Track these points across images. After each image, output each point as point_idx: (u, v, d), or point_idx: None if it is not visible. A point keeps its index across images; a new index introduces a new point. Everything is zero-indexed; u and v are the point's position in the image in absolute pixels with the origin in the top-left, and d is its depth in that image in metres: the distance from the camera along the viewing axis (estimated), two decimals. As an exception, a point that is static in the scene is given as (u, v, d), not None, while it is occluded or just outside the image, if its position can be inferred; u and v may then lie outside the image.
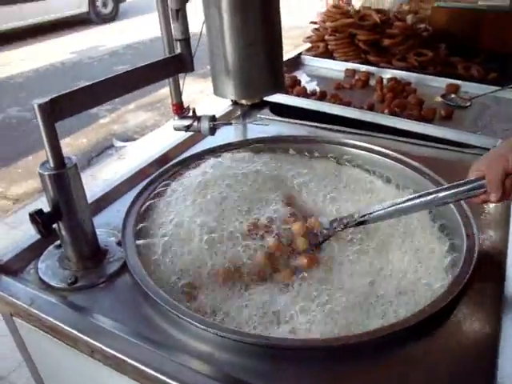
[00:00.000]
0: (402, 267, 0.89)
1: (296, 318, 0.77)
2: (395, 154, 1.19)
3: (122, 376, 0.73)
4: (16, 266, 0.90)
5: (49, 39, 7.80)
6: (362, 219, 0.92)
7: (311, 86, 1.75)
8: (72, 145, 3.96)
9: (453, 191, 0.83)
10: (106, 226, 1.00)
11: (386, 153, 1.20)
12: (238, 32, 1.00)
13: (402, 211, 0.90)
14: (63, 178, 0.80)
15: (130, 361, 0.69)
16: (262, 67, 1.05)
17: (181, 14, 0.93)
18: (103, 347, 0.72)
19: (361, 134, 1.38)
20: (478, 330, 0.74)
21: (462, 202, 0.97)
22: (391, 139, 1.36)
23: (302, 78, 1.89)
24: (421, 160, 1.17)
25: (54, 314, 0.78)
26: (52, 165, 0.79)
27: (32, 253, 0.93)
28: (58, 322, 0.76)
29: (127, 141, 4.00)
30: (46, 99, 0.75)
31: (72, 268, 0.87)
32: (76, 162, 0.82)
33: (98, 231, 0.97)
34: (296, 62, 2.04)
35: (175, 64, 0.97)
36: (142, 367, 0.68)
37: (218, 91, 1.11)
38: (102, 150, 3.85)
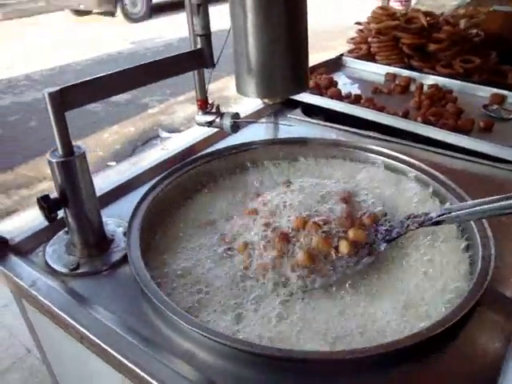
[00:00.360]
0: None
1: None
2: (420, 164, 1.14)
3: (108, 366, 0.74)
4: (26, 247, 0.93)
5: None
6: (440, 219, 0.85)
7: (349, 89, 1.70)
8: (119, 132, 4.08)
9: None
10: (117, 216, 1.01)
11: (410, 162, 1.15)
12: (261, 30, 0.98)
13: (485, 213, 0.80)
14: (71, 165, 0.82)
15: (112, 352, 0.70)
16: (285, 66, 1.03)
17: (202, 9, 0.92)
18: (90, 335, 0.73)
19: (391, 142, 1.34)
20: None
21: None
22: (421, 148, 1.30)
23: (341, 79, 1.85)
24: (449, 172, 1.12)
25: (50, 298, 0.80)
26: (61, 152, 0.81)
27: (43, 236, 0.96)
28: (51, 305, 0.78)
29: (173, 132, 4.07)
30: (57, 88, 0.77)
31: (77, 254, 0.89)
32: (84, 150, 0.84)
33: (108, 220, 0.99)
34: (337, 64, 2.00)
35: (195, 59, 0.97)
36: (124, 360, 0.69)
37: (240, 90, 1.10)
38: (147, 140, 3.94)
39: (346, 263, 0.86)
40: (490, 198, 0.79)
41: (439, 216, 0.85)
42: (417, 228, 0.88)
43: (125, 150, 3.74)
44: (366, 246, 0.89)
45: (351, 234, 0.88)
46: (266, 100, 1.47)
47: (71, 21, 9.05)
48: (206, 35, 0.96)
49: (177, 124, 4.39)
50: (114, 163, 3.38)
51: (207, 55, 0.98)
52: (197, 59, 0.97)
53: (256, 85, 1.05)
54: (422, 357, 0.69)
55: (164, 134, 4.01)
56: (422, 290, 0.82)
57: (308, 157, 1.24)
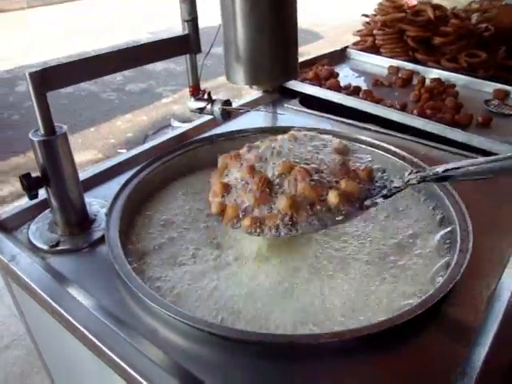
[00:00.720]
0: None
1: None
2: (404, 153, 1.13)
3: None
4: (12, 224, 0.96)
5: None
6: (446, 174, 0.77)
7: (351, 81, 1.69)
8: (132, 121, 4.12)
9: None
10: (103, 197, 1.03)
11: (393, 151, 1.14)
12: (249, 18, 0.99)
13: (495, 171, 0.74)
14: (52, 145, 0.84)
15: (82, 329, 0.72)
16: (272, 54, 1.04)
17: (188, -6, 0.93)
18: (62, 311, 0.75)
19: (387, 134, 1.33)
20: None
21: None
22: (417, 142, 1.29)
23: (344, 71, 1.85)
24: (437, 164, 1.11)
25: (27, 272, 0.82)
26: (42, 132, 0.83)
27: (29, 214, 0.98)
28: (27, 279, 0.80)
29: (184, 122, 4.09)
30: (38, 69, 0.78)
31: (58, 232, 0.92)
32: (66, 131, 0.85)
33: (93, 200, 1.01)
34: (341, 56, 1.99)
35: (181, 44, 0.98)
36: (93, 338, 0.71)
37: (229, 77, 1.11)
38: (158, 129, 3.97)
39: (332, 216, 0.78)
40: (496, 157, 0.74)
41: (446, 171, 0.77)
42: (418, 183, 0.81)
43: (136, 138, 3.78)
44: (358, 201, 0.81)
45: (343, 184, 0.80)
46: (254, 87, 1.47)
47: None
48: (193, 20, 0.97)
49: (189, 114, 4.39)
50: (124, 150, 3.42)
51: (194, 41, 0.99)
52: (183, 44, 0.98)
53: (244, 72, 1.06)
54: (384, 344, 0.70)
55: (176, 124, 4.03)
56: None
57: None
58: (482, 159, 0.76)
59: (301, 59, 1.90)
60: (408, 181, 0.81)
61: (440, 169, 0.78)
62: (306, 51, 5.60)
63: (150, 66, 5.27)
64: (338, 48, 2.01)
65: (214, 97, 1.18)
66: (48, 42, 6.79)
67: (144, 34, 7.03)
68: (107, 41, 6.60)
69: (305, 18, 7.89)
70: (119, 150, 3.60)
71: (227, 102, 1.18)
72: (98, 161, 3.40)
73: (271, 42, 1.02)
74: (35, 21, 8.29)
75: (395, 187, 0.82)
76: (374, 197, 0.82)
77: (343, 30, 5.91)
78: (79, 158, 3.41)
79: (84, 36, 7.00)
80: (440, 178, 0.79)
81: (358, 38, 2.07)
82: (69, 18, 8.46)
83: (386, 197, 0.82)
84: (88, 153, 3.47)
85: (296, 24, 1.06)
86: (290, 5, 1.02)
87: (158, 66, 5.34)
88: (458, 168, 0.76)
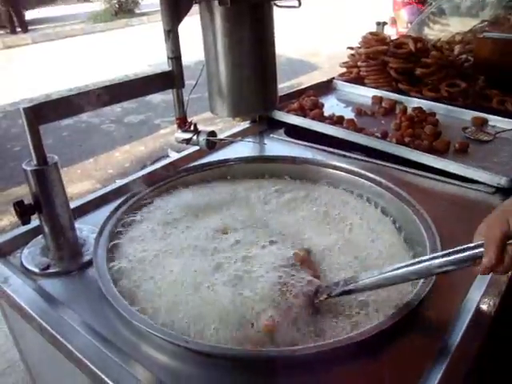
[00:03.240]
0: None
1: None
2: (381, 179, 1.19)
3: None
4: (7, 248, 1.02)
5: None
6: (347, 288, 0.83)
7: (336, 111, 1.76)
8: (130, 152, 4.21)
9: (449, 259, 0.73)
10: (93, 224, 1.09)
11: (370, 177, 1.21)
12: (229, 53, 1.06)
13: (392, 280, 0.80)
14: (44, 174, 0.90)
15: (68, 346, 0.77)
16: (252, 88, 1.11)
17: (172, 34, 1.01)
18: (50, 329, 0.80)
19: (367, 161, 1.39)
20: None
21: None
22: (396, 168, 1.35)
23: (330, 102, 1.92)
24: (414, 190, 1.18)
25: (18, 293, 0.87)
26: (35, 162, 0.89)
27: (23, 239, 1.04)
28: (17, 299, 0.85)
29: (181, 152, 4.18)
30: (31, 104, 0.85)
31: (49, 256, 0.97)
32: (57, 161, 0.92)
33: (83, 227, 1.07)
34: (328, 86, 2.07)
35: (165, 80, 1.05)
36: (78, 354, 0.75)
37: (212, 109, 1.18)
38: (155, 159, 4.05)
39: None
40: (395, 266, 0.80)
41: (347, 285, 0.84)
42: (325, 299, 0.85)
43: (134, 169, 3.86)
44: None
45: None
46: (237, 119, 1.55)
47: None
48: (176, 58, 1.05)
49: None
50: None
51: (177, 77, 1.06)
52: (168, 80, 1.05)
53: (226, 105, 1.13)
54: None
55: (172, 154, 4.11)
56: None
57: (274, 175, 1.33)
58: (376, 271, 0.82)
59: (290, 90, 1.99)
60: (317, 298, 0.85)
61: (342, 282, 0.84)
62: (300, 82, 5.75)
63: (149, 98, 5.40)
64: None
65: (199, 128, 1.25)
66: (51, 75, 6.96)
67: (144, 67, 7.21)
68: (108, 73, 6.77)
69: (301, 48, 8.11)
70: (116, 180, 3.67)
71: (212, 133, 1.24)
72: (96, 191, 3.46)
73: (251, 77, 1.09)
74: (39, 55, 8.52)
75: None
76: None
77: (339, 60, 6.07)
78: (77, 188, 3.48)
79: (86, 69, 7.18)
80: (344, 292, 0.84)
81: (344, 69, 2.17)
82: (72, 52, 8.70)
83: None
84: (86, 183, 3.54)
85: (274, 59, 1.13)
86: (269, 42, 1.10)
87: (157, 98, 5.46)
88: (357, 281, 0.83)
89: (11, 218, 3.25)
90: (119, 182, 1.27)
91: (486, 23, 2.81)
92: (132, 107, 5.26)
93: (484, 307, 0.84)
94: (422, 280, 0.85)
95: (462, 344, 0.76)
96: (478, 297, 0.85)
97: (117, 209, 1.09)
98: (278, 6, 1.08)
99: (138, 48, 8.62)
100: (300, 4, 1.06)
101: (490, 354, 0.90)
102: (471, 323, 0.80)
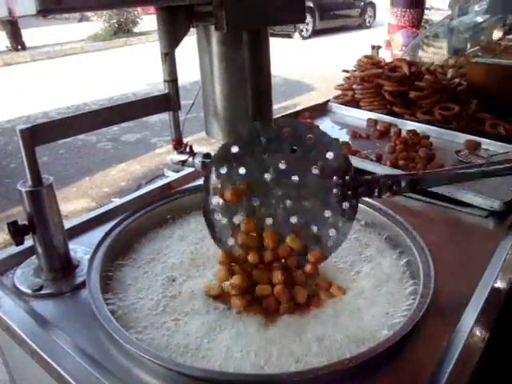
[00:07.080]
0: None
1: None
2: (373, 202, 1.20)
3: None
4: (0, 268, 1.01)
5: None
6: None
7: (332, 133, 1.76)
8: (126, 170, 4.22)
9: None
10: (87, 244, 1.09)
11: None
12: (225, 77, 1.08)
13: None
14: (38, 195, 0.90)
15: (58, 369, 0.76)
16: (247, 111, 1.12)
17: (169, 57, 1.03)
18: (40, 352, 0.79)
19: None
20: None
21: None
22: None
23: (325, 124, 1.95)
24: (407, 213, 1.18)
25: (9, 314, 0.87)
26: (30, 183, 0.90)
27: (17, 260, 1.04)
28: (8, 321, 0.85)
29: (177, 171, 4.19)
30: (28, 126, 0.86)
31: (42, 277, 0.97)
32: (52, 182, 0.92)
33: (77, 247, 1.07)
34: (323, 109, 2.10)
35: (161, 103, 1.06)
36: (69, 378, 0.74)
37: (208, 132, 1.19)
38: (151, 179, 4.06)
39: None
40: (454, 167, 0.87)
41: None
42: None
43: (129, 188, 3.87)
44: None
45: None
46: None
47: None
48: (173, 81, 1.06)
49: (183, 163, 4.51)
50: (117, 199, 3.49)
51: (173, 99, 1.07)
52: (164, 103, 1.07)
53: (221, 128, 1.14)
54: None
55: (169, 173, 4.12)
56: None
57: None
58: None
59: (285, 112, 2.02)
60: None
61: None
62: (296, 103, 5.81)
63: (146, 117, 5.44)
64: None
65: (195, 149, 1.26)
66: (49, 92, 7.02)
67: (142, 86, 7.28)
68: (107, 91, 6.84)
69: (298, 69, 8.22)
70: (113, 199, 3.67)
71: (207, 155, 1.26)
72: (92, 209, 3.46)
73: (246, 99, 1.10)
74: (38, 73, 8.59)
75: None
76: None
77: (336, 82, 6.15)
78: (73, 206, 3.47)
79: (85, 87, 7.24)
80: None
81: (339, 92, 2.19)
82: (71, 70, 8.77)
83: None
84: (82, 201, 3.54)
85: (270, 83, 1.15)
86: (265, 66, 1.11)
87: (153, 117, 5.49)
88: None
89: (5, 236, 3.24)
90: (116, 202, 1.27)
91: (478, 48, 2.86)
92: (129, 126, 5.29)
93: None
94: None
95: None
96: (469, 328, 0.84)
97: (111, 230, 1.09)
98: (273, 34, 1.10)
99: (136, 67, 8.72)
100: (296, 30, 1.08)
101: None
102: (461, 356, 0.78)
